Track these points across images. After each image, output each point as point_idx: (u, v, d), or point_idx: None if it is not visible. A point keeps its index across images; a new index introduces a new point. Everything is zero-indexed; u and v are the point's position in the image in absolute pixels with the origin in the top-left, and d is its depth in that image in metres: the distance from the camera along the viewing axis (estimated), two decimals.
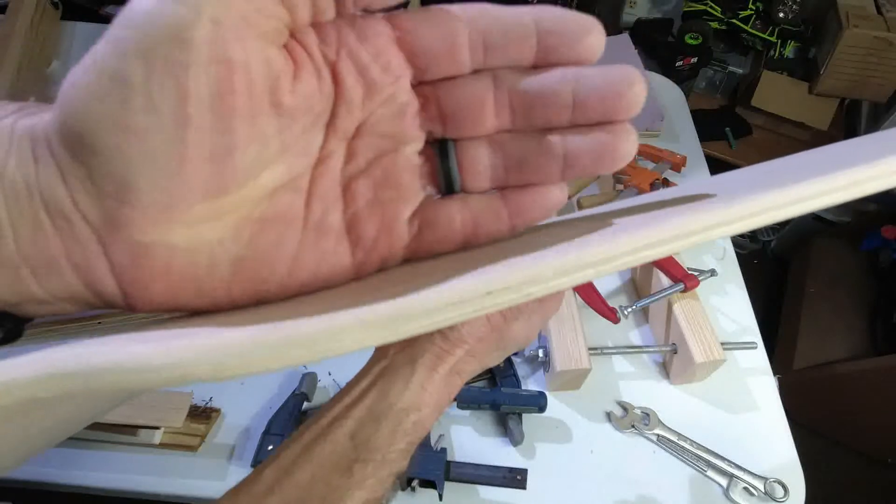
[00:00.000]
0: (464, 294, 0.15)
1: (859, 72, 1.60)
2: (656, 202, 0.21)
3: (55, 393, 0.14)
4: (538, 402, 0.60)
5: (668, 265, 0.67)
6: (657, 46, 1.72)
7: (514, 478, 0.56)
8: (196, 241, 0.17)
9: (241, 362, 0.14)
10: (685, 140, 0.97)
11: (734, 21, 1.78)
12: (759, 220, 0.16)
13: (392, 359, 0.29)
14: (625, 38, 1.07)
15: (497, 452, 0.60)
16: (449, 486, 0.56)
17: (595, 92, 0.17)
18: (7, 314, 0.17)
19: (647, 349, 0.69)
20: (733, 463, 0.60)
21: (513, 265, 0.15)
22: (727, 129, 1.81)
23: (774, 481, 0.59)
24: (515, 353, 0.68)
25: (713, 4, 1.78)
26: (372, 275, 0.20)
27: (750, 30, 1.78)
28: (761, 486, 0.58)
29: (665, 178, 0.82)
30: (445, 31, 0.18)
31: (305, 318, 0.14)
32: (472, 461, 0.57)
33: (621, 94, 0.17)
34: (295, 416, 0.59)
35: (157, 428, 0.57)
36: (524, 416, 0.61)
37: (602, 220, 0.20)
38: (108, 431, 0.57)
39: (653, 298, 0.66)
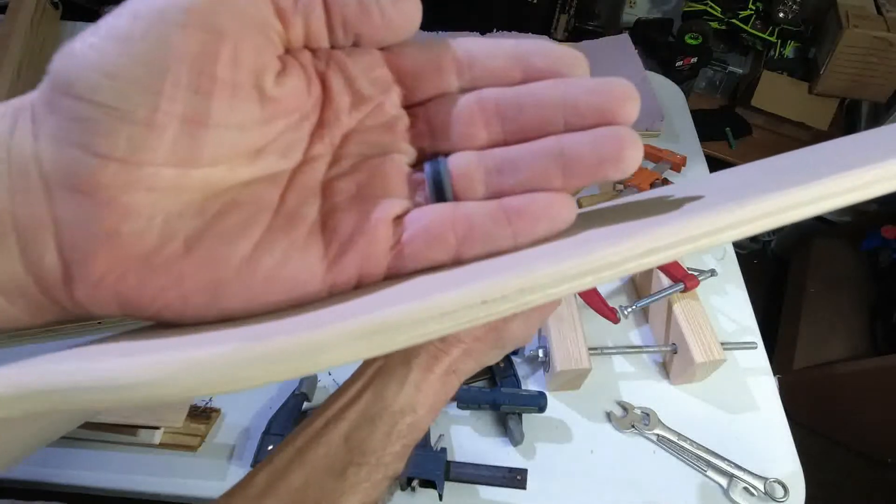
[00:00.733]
0: (457, 303, 0.14)
1: (859, 72, 1.60)
2: (654, 201, 0.21)
3: (19, 414, 0.13)
4: (538, 402, 0.60)
5: (668, 265, 0.67)
6: (657, 46, 1.72)
7: (514, 478, 0.56)
8: (153, 209, 0.15)
9: (222, 379, 0.13)
10: (685, 140, 0.97)
11: (734, 21, 1.78)
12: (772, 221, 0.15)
13: (387, 359, 0.28)
14: (625, 38, 1.07)
15: (497, 452, 0.60)
16: (449, 486, 0.56)
17: (588, 92, 0.17)
18: None
19: (647, 349, 0.69)
20: (733, 463, 0.60)
21: (509, 272, 0.15)
22: (727, 129, 1.81)
23: (774, 481, 0.59)
24: (515, 353, 0.68)
25: (713, 4, 1.78)
26: (348, 291, 0.18)
27: (750, 30, 1.78)
28: (761, 486, 0.58)
29: (665, 178, 0.82)
30: (432, 52, 0.18)
31: (285, 335, 0.14)
32: (472, 461, 0.57)
33: (615, 94, 0.17)
34: (295, 416, 0.59)
35: (156, 428, 0.57)
36: (524, 416, 0.61)
37: (600, 221, 0.19)
38: (108, 431, 0.57)
39: (653, 298, 0.66)
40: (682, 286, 0.65)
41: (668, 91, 1.06)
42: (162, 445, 0.58)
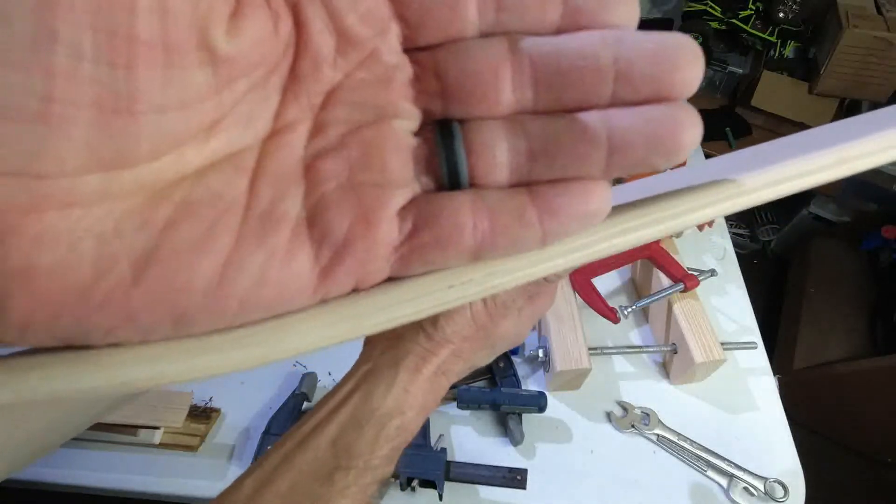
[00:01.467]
0: (423, 288, 0.14)
1: (859, 72, 1.60)
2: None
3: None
4: (538, 402, 0.60)
5: (668, 265, 0.67)
6: None
7: (514, 478, 0.56)
8: (75, 231, 0.11)
9: (184, 368, 0.13)
10: None
11: (734, 21, 1.78)
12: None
13: (376, 361, 0.28)
14: None
15: (497, 452, 0.60)
16: (449, 486, 0.56)
17: (645, 59, 0.13)
18: None
19: (647, 349, 0.69)
20: (733, 463, 0.60)
21: None
22: (727, 129, 1.81)
23: (774, 481, 0.59)
24: (515, 353, 0.68)
25: (713, 4, 1.78)
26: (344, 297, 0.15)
27: (750, 30, 1.78)
28: (761, 486, 0.58)
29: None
30: None
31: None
32: (472, 461, 0.57)
33: (677, 63, 0.12)
34: (295, 416, 0.59)
35: (157, 428, 0.57)
36: (524, 416, 0.61)
37: None
38: (108, 431, 0.57)
39: (653, 298, 0.66)
40: (682, 286, 0.65)
41: None
42: (162, 445, 0.58)
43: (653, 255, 0.68)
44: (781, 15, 1.72)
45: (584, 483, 0.59)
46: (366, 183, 0.14)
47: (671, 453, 0.61)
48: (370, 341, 0.29)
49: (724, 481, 0.59)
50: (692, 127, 0.13)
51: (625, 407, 0.64)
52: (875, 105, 1.75)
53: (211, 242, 0.13)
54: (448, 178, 0.14)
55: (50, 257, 0.11)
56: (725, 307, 0.75)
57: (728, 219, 1.16)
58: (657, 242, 0.69)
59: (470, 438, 0.61)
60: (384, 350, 0.28)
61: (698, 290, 0.67)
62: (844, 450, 1.40)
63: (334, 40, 0.13)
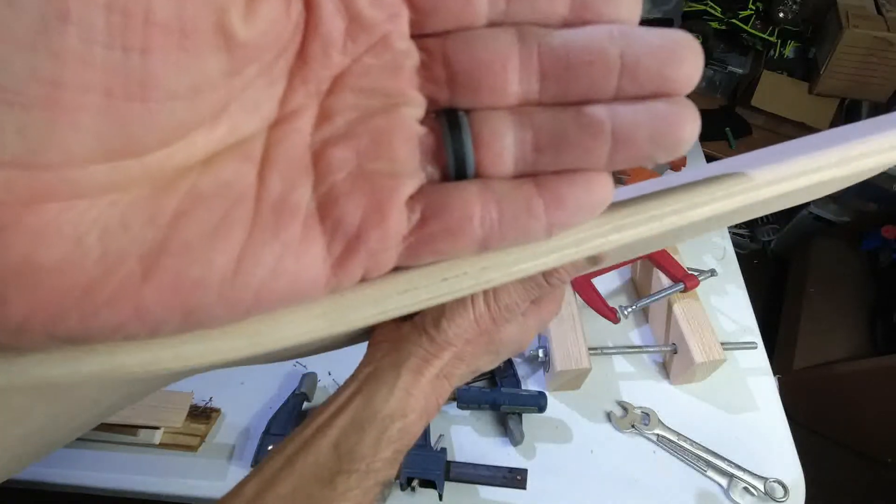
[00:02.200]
0: (417, 280, 0.14)
1: (859, 72, 1.60)
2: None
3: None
4: (538, 402, 0.60)
5: (668, 265, 0.67)
6: None
7: (514, 478, 0.56)
8: (80, 224, 0.11)
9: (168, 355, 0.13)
10: None
11: (734, 21, 1.78)
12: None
13: (378, 364, 0.28)
14: None
15: (497, 452, 0.60)
16: (449, 486, 0.56)
17: (650, 55, 0.13)
18: None
19: (647, 349, 0.69)
20: (733, 463, 0.60)
21: None
22: (727, 129, 1.81)
23: (774, 481, 0.59)
24: None
25: (713, 4, 1.78)
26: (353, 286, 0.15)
27: (750, 30, 1.78)
28: (761, 486, 0.58)
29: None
30: None
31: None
32: (472, 461, 0.57)
33: (681, 58, 0.13)
34: (295, 416, 0.59)
35: (157, 428, 0.57)
36: (524, 416, 0.61)
37: None
38: (108, 431, 0.57)
39: (653, 298, 0.66)
40: (682, 286, 0.65)
41: None
42: (162, 445, 0.58)
43: (653, 255, 0.68)
44: (781, 15, 1.72)
45: (584, 483, 0.59)
46: (376, 172, 0.14)
47: (671, 453, 0.61)
48: (373, 344, 0.29)
49: (724, 481, 0.59)
50: (692, 122, 0.13)
51: (625, 407, 0.64)
52: (875, 105, 1.75)
53: (225, 234, 0.13)
54: (454, 168, 0.14)
55: (52, 253, 0.11)
56: (725, 307, 0.75)
57: None
58: None
59: (470, 438, 0.61)
60: (386, 352, 0.28)
61: (698, 290, 0.67)
62: (844, 450, 1.40)
63: (345, 23, 0.13)
